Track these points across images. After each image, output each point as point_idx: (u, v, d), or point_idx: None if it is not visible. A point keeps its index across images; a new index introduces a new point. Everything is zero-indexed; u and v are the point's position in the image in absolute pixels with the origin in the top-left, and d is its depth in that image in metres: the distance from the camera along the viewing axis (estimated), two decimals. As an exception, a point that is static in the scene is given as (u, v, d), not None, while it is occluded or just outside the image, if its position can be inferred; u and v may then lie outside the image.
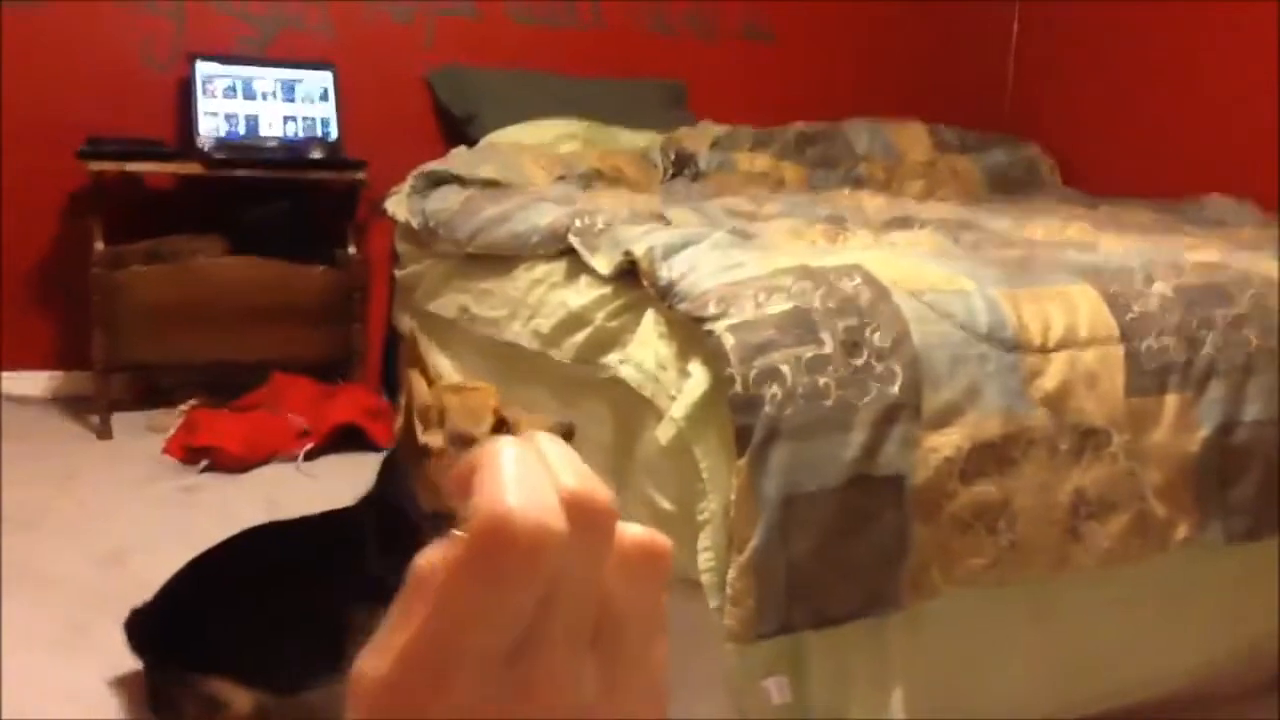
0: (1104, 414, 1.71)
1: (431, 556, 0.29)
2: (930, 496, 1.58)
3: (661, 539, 0.31)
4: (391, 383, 3.28)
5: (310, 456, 2.92)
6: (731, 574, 1.50)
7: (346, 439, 2.99)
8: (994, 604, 1.73)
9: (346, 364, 3.31)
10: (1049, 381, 1.67)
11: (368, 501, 1.63)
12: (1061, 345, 1.70)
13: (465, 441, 1.53)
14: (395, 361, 3.26)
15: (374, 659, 0.28)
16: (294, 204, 3.28)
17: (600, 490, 0.29)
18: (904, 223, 2.50)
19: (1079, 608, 1.81)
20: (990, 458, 1.62)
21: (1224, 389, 1.78)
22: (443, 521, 1.52)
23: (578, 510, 0.28)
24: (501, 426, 1.56)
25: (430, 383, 1.60)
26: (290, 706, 1.71)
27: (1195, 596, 1.89)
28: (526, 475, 0.28)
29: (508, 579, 0.27)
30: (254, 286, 3.14)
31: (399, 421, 1.55)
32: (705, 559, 1.53)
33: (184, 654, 1.69)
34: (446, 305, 2.65)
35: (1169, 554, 1.78)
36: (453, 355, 2.57)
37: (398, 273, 3.12)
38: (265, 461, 2.87)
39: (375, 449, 2.99)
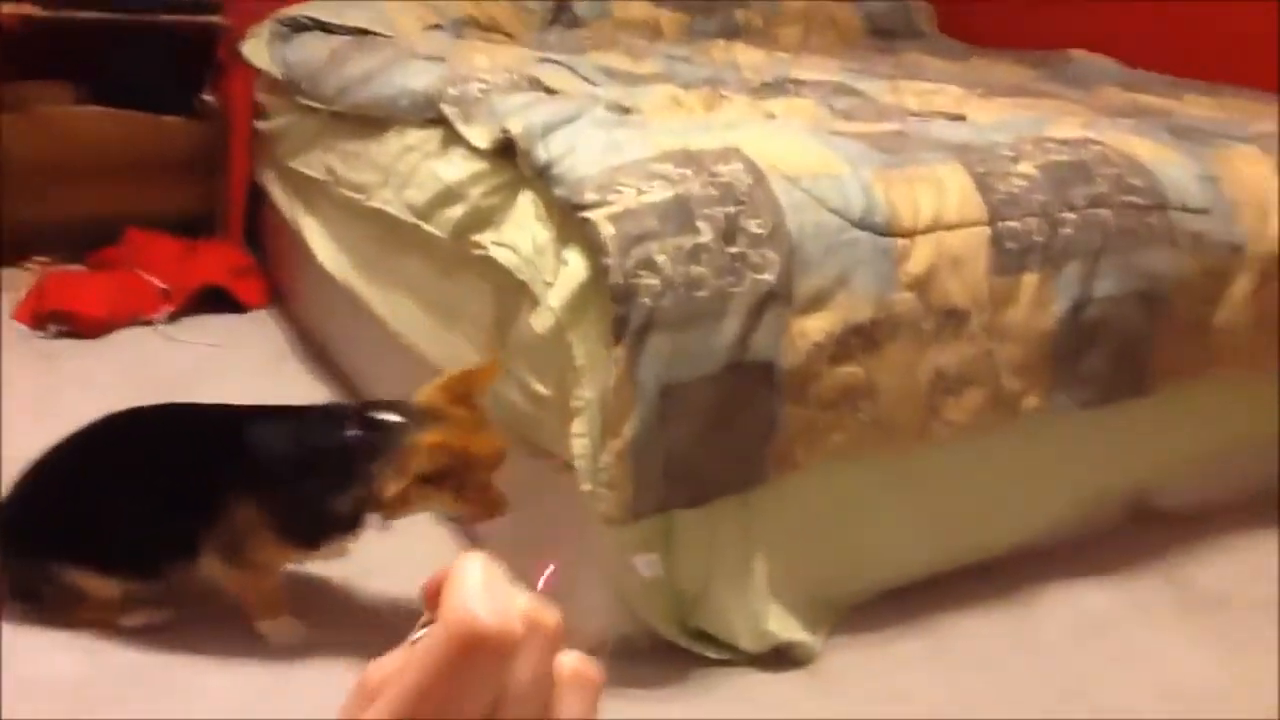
0: (966, 295, 1.77)
1: (384, 664, 0.33)
2: (799, 380, 1.63)
3: (593, 665, 0.35)
4: (256, 239, 3.18)
5: (173, 319, 2.83)
6: (607, 459, 1.54)
7: (211, 300, 2.90)
8: (857, 472, 1.82)
9: (208, 220, 3.18)
10: (916, 265, 1.72)
11: (305, 419, 1.63)
12: (930, 228, 1.74)
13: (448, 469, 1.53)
14: (260, 217, 3.15)
15: None
16: (148, 49, 3.08)
17: (549, 611, 0.33)
18: (781, 87, 2.48)
19: (939, 472, 1.91)
20: (858, 341, 1.67)
21: (1079, 268, 1.86)
22: (363, 502, 1.51)
23: (531, 624, 0.33)
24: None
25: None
26: (153, 589, 1.71)
27: (1049, 455, 2.01)
28: (493, 586, 0.32)
29: (477, 673, 0.31)
30: (106, 138, 2.97)
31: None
32: (579, 445, 1.56)
33: (44, 543, 1.66)
34: (312, 164, 2.55)
35: (1022, 421, 1.89)
36: (321, 219, 2.49)
37: (260, 125, 2.98)
38: (124, 325, 2.77)
39: (240, 310, 2.92)
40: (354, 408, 1.62)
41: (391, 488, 1.47)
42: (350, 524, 1.57)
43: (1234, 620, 1.93)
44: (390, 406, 1.57)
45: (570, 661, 0.35)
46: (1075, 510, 2.08)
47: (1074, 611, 1.93)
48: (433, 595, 0.33)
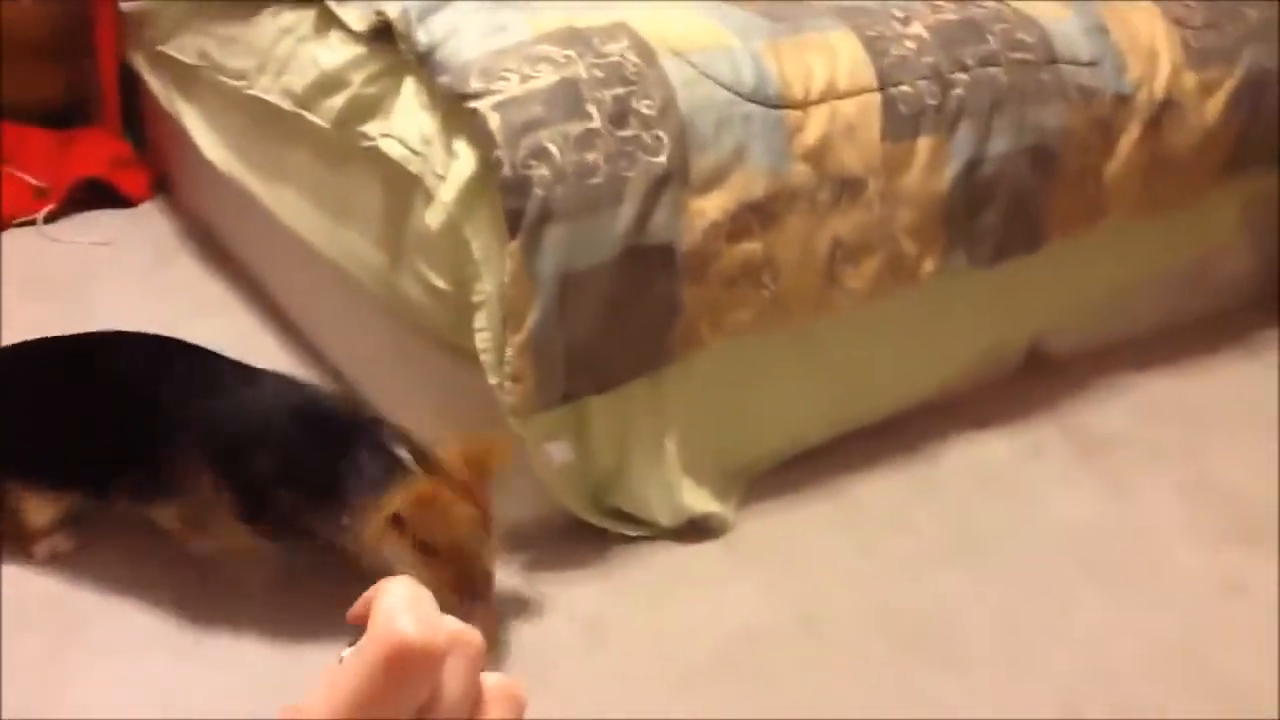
0: (861, 163, 1.77)
1: (313, 690, 0.34)
2: (699, 260, 1.63)
3: (519, 685, 0.37)
4: (134, 125, 3.03)
5: (52, 218, 2.70)
6: (510, 353, 1.53)
7: (91, 195, 2.78)
8: (761, 342, 1.84)
9: (82, 108, 3.02)
10: (810, 136, 1.71)
11: (326, 415, 1.57)
12: (823, 98, 1.73)
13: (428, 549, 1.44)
14: (137, 103, 3.00)
15: None
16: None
17: (474, 632, 0.35)
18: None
19: (840, 336, 1.94)
20: (754, 216, 1.67)
21: (973, 128, 1.86)
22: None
23: (456, 641, 0.34)
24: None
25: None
26: (99, 504, 1.68)
27: (945, 313, 2.05)
28: (419, 604, 0.34)
29: (404, 685, 0.32)
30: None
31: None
32: (482, 339, 1.55)
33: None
34: (185, 48, 2.42)
35: (919, 283, 1.92)
36: (201, 108, 2.38)
37: (124, 5, 2.81)
38: (1, 229, 2.65)
39: (124, 204, 2.80)
40: (377, 429, 1.51)
41: (370, 529, 1.40)
42: (314, 536, 1.54)
43: (1124, 461, 2.02)
44: (405, 441, 1.49)
45: (496, 679, 0.36)
46: (973, 364, 2.13)
47: (975, 462, 2.01)
48: (359, 619, 0.35)
